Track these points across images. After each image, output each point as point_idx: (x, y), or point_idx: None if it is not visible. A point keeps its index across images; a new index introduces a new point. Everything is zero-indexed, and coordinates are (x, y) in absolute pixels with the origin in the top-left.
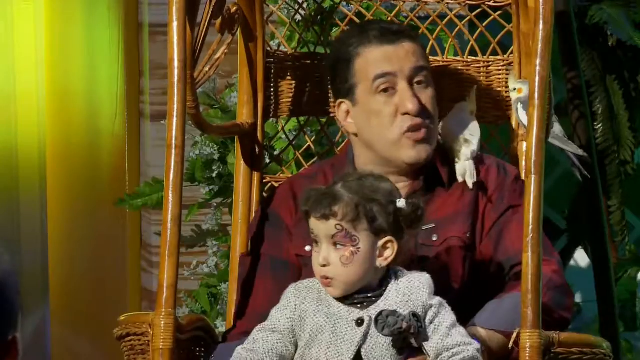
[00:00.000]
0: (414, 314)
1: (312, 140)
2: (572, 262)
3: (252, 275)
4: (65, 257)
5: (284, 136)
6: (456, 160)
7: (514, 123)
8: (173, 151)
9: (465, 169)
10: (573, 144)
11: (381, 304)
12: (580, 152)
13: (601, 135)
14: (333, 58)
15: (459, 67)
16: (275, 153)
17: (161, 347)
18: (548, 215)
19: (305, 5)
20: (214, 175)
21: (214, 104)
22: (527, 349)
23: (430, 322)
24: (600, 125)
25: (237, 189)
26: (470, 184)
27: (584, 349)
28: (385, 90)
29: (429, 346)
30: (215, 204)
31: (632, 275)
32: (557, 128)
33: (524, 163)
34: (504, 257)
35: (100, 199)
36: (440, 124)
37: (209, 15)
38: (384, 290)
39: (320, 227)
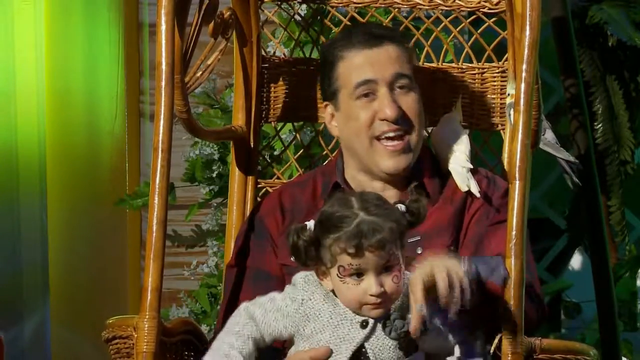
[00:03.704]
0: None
1: (309, 141)
2: (572, 262)
3: (236, 287)
4: (66, 257)
5: (283, 136)
6: (451, 169)
7: (507, 131)
8: (159, 155)
9: (467, 179)
10: (565, 150)
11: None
12: (571, 158)
13: (601, 135)
14: (321, 59)
15: (454, 74)
16: (274, 153)
17: (144, 350)
18: (548, 215)
19: (300, 11)
20: (214, 175)
21: (214, 104)
22: (509, 355)
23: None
24: (600, 125)
25: (232, 194)
26: (477, 193)
27: (568, 355)
28: (365, 95)
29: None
30: (215, 204)
31: (632, 275)
32: (549, 135)
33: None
34: None
35: (100, 199)
36: (432, 134)
37: (200, 20)
38: None
39: (373, 258)
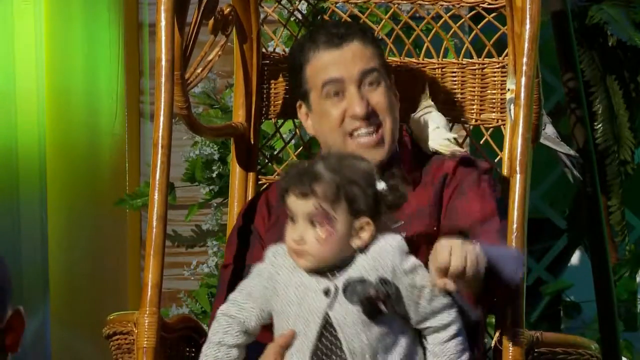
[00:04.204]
0: (384, 281)
1: (309, 139)
2: (572, 262)
3: (229, 287)
4: (66, 257)
5: (284, 135)
6: (434, 145)
7: (508, 126)
8: (159, 151)
9: (451, 145)
10: (565, 145)
11: (350, 272)
12: (572, 152)
13: (601, 135)
14: (289, 63)
15: (454, 70)
16: (275, 153)
17: (145, 345)
18: (548, 215)
19: (300, 7)
20: (214, 175)
21: (214, 103)
22: (510, 348)
23: (413, 287)
24: (600, 125)
25: (233, 191)
26: (463, 152)
27: (569, 349)
28: (335, 94)
29: (416, 311)
30: (215, 204)
31: (632, 275)
32: (549, 129)
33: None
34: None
35: (100, 199)
36: (411, 121)
37: (200, 16)
38: (354, 258)
39: (298, 205)
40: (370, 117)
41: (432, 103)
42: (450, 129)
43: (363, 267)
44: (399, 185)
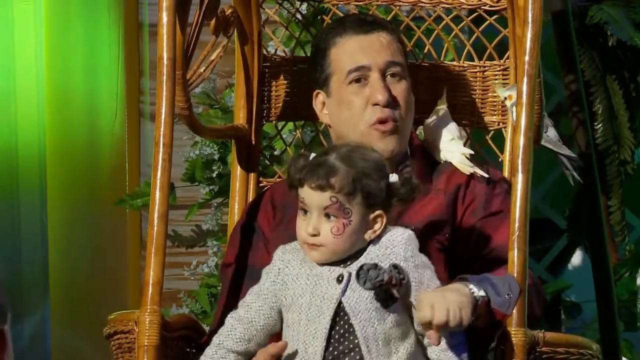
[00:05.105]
0: (395, 266)
1: (310, 141)
2: (572, 262)
3: (232, 286)
4: (66, 257)
5: (284, 136)
6: (450, 157)
7: (509, 129)
8: (161, 149)
9: (471, 164)
10: (566, 148)
11: (362, 259)
12: (572, 155)
13: (601, 135)
14: (313, 48)
15: (455, 72)
16: (275, 153)
17: (146, 343)
18: (548, 215)
19: (301, 8)
20: (214, 175)
21: (214, 104)
22: (512, 347)
23: (420, 283)
24: (600, 125)
25: (234, 192)
26: (484, 174)
27: (571, 349)
28: (357, 81)
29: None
30: (215, 204)
31: (632, 275)
32: (551, 132)
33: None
34: (485, 260)
35: (100, 199)
36: (424, 127)
37: (201, 16)
38: (366, 248)
39: (313, 197)
40: (391, 106)
41: (447, 109)
42: (464, 140)
43: (376, 256)
44: (411, 177)
